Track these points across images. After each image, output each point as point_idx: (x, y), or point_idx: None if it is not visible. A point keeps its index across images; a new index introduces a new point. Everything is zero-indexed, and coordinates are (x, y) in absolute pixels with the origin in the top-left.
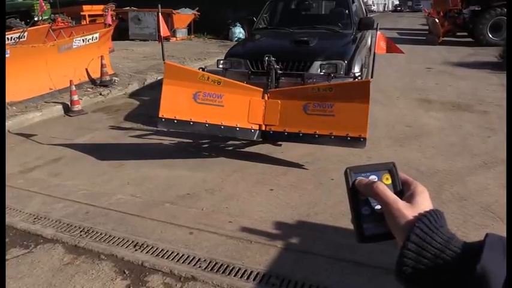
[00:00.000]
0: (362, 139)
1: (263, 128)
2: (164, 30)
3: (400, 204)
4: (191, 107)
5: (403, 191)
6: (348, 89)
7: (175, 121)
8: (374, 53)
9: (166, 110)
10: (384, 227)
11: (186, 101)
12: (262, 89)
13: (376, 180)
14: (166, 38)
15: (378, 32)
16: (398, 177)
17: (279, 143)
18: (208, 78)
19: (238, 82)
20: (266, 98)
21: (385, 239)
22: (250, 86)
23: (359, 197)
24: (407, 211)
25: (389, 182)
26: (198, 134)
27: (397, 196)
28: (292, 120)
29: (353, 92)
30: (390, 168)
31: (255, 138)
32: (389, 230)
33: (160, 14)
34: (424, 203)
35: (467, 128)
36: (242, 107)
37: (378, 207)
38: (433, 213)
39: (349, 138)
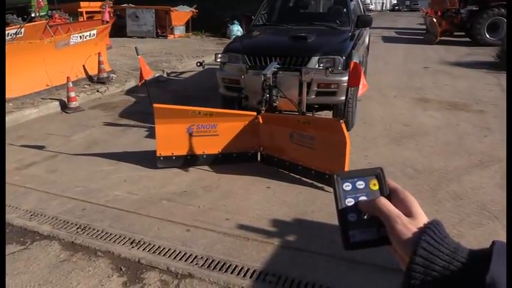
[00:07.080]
0: (327, 176)
1: (259, 150)
2: (146, 72)
3: (404, 218)
4: (187, 141)
5: (390, 196)
6: (323, 125)
7: (174, 158)
8: (348, 87)
9: (163, 148)
10: (370, 233)
11: (181, 136)
12: (254, 114)
13: (363, 186)
14: (164, 35)
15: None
16: (385, 182)
17: None
18: (199, 112)
19: (229, 111)
20: (259, 121)
21: (371, 245)
22: (242, 112)
23: (345, 202)
24: (410, 225)
25: (376, 187)
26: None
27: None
28: (281, 146)
29: (328, 128)
30: (377, 174)
31: (252, 160)
32: (375, 237)
33: (140, 56)
34: (421, 213)
35: (464, 127)
36: (237, 134)
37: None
38: (435, 224)
39: (327, 176)
